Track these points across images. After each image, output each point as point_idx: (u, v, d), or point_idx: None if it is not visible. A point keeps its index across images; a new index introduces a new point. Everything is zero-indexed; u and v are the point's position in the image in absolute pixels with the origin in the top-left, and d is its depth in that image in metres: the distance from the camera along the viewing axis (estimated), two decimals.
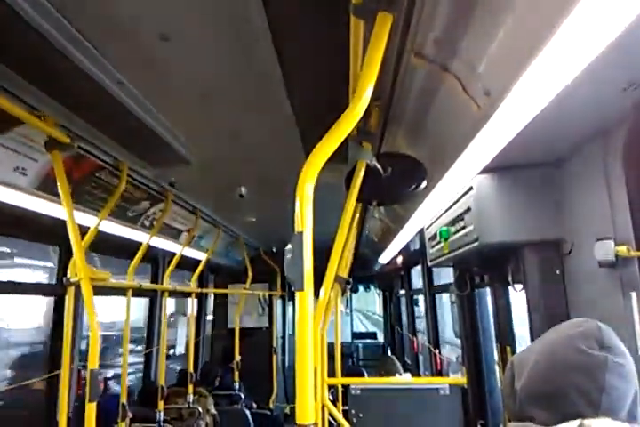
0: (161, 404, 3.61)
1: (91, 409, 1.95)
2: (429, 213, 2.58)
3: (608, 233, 1.43)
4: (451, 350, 4.69)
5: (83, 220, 2.52)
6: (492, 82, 1.26)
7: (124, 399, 2.92)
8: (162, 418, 3.61)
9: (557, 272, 1.77)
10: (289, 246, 1.00)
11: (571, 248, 1.70)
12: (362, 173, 1.87)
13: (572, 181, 1.72)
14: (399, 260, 5.61)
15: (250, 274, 5.83)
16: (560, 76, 1.14)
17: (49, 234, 2.96)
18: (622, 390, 0.97)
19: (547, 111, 1.32)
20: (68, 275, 2.46)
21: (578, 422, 0.93)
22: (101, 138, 2.27)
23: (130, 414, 3.02)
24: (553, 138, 1.63)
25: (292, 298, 8.95)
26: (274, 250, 6.68)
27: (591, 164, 1.59)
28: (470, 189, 1.94)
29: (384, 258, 5.41)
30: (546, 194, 1.80)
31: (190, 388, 4.12)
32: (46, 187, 2.27)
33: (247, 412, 4.93)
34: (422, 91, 1.68)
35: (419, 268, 5.17)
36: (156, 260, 4.69)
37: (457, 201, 2.13)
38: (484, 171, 1.85)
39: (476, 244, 1.90)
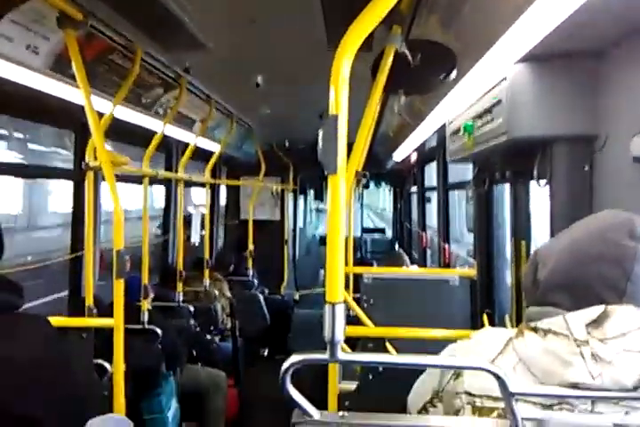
0: (180, 286, 3.80)
1: (119, 285, 2.05)
2: (454, 106, 2.50)
3: None
4: (457, 247, 4.81)
5: (96, 104, 2.46)
6: None
7: (145, 280, 3.06)
8: (181, 299, 3.82)
9: (586, 168, 1.74)
10: (321, 131, 0.97)
11: (604, 143, 1.66)
12: (390, 60, 1.78)
13: (613, 74, 1.63)
14: (413, 156, 5.57)
15: (263, 167, 5.85)
16: None
17: (63, 118, 2.93)
18: None
19: None
20: (86, 159, 2.46)
21: (602, 307, 0.96)
22: (115, 18, 2.15)
23: (152, 294, 3.18)
24: (597, 27, 1.51)
25: (304, 193, 9.07)
26: (286, 144, 6.63)
27: (635, 56, 1.50)
28: (503, 79, 1.85)
29: (399, 154, 5.38)
30: (584, 86, 1.71)
31: (206, 273, 4.31)
32: (59, 68, 2.19)
33: (260, 297, 5.21)
34: None
35: (432, 165, 5.16)
36: (169, 150, 4.68)
37: (486, 93, 2.04)
38: (520, 60, 1.75)
39: (504, 138, 1.85)
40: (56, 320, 2.06)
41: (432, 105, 2.67)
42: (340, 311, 0.90)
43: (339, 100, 0.94)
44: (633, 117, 1.51)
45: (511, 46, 1.59)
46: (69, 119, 2.79)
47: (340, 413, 0.99)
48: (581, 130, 1.73)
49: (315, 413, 0.93)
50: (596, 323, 0.94)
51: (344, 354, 0.92)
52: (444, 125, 2.99)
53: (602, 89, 1.70)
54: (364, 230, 9.81)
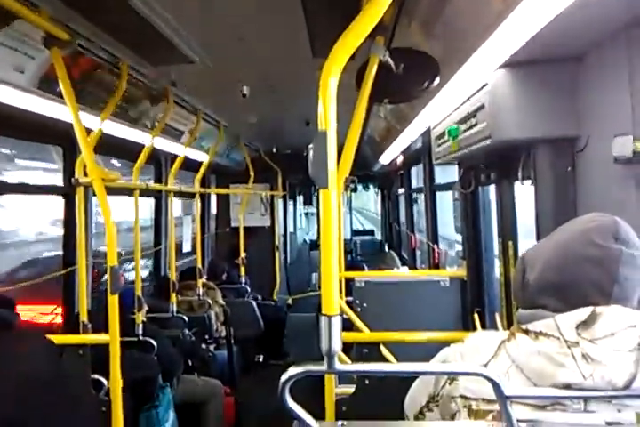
0: (173, 296, 3.81)
1: (113, 301, 2.06)
2: (438, 110, 2.54)
3: (627, 130, 1.43)
4: (446, 246, 4.86)
5: (85, 120, 2.47)
6: None
7: (139, 292, 3.07)
8: (174, 309, 3.83)
9: (569, 169, 1.79)
10: (311, 145, 1.00)
11: (585, 144, 1.70)
12: (374, 70, 1.81)
13: (592, 77, 1.68)
14: (399, 159, 5.62)
15: (251, 174, 5.87)
16: None
17: (51, 134, 2.93)
18: (634, 281, 1.01)
19: (572, 3, 1.25)
20: (76, 175, 2.47)
21: (590, 308, 0.99)
22: (101, 35, 2.17)
23: (145, 306, 3.19)
24: (576, 32, 1.56)
25: (293, 198, 9.09)
26: (274, 150, 6.66)
27: (613, 58, 1.54)
28: (485, 85, 1.89)
29: (385, 158, 5.42)
30: (565, 90, 1.75)
31: (199, 282, 4.32)
32: (46, 86, 2.21)
33: (253, 303, 5.23)
34: None
35: (419, 167, 5.21)
36: (158, 161, 4.69)
37: (469, 98, 2.09)
38: (501, 66, 1.79)
39: (487, 141, 1.89)
40: (53, 338, 2.06)
41: (417, 110, 2.71)
42: (337, 323, 0.92)
43: (327, 116, 0.97)
44: (613, 119, 1.56)
45: (492, 53, 1.63)
46: (57, 135, 2.79)
47: (339, 422, 1.02)
48: (563, 132, 1.77)
49: (314, 424, 0.95)
50: (586, 324, 0.97)
51: (341, 365, 0.94)
52: (429, 128, 3.03)
53: (582, 92, 1.74)
54: (354, 233, 9.85)
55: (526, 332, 1.03)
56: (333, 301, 0.93)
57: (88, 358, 2.14)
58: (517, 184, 2.16)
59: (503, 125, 1.85)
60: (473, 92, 2.04)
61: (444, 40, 1.86)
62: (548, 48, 1.67)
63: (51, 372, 1.94)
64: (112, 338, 2.11)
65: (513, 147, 1.97)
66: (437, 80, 1.93)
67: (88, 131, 2.27)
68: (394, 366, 1.32)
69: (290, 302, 7.02)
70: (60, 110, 2.35)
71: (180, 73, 2.88)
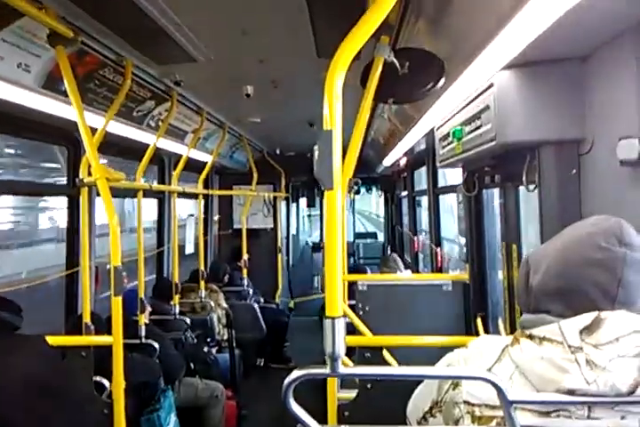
0: (176, 298, 3.80)
1: (116, 303, 2.05)
2: (443, 112, 2.53)
3: (632, 132, 1.41)
4: (449, 248, 4.84)
5: (89, 119, 2.48)
6: None
7: (141, 294, 3.06)
8: (177, 311, 3.82)
9: (574, 171, 1.77)
10: (317, 145, 0.99)
11: (590, 147, 1.69)
12: (379, 70, 1.81)
13: (597, 79, 1.66)
14: (403, 161, 5.61)
15: (255, 176, 5.87)
16: None
17: (55, 134, 2.93)
18: (639, 284, 1.00)
19: (579, 3, 1.24)
20: (80, 175, 2.47)
21: (594, 313, 0.97)
22: (105, 33, 2.16)
23: (148, 308, 3.18)
24: (582, 32, 1.55)
25: (296, 200, 9.09)
26: (277, 152, 6.66)
27: (620, 60, 1.53)
28: (490, 86, 1.87)
29: (388, 160, 5.41)
30: (570, 91, 1.74)
31: (202, 284, 4.31)
32: (51, 85, 2.21)
33: (255, 306, 5.21)
34: None
35: (422, 170, 5.19)
36: (162, 162, 4.69)
37: (474, 99, 2.07)
38: (507, 67, 1.78)
39: (492, 143, 1.88)
40: (55, 339, 2.05)
41: (422, 111, 2.70)
42: (341, 326, 0.90)
43: (333, 115, 0.96)
44: (618, 121, 1.54)
45: (497, 53, 1.61)
46: (61, 135, 2.79)
47: None
48: (568, 134, 1.76)
49: None
50: (590, 329, 0.95)
51: (345, 368, 0.92)
52: (433, 130, 3.02)
53: (587, 93, 1.73)
54: (356, 236, 9.85)
55: (530, 337, 1.02)
56: (337, 303, 0.91)
57: (91, 359, 2.13)
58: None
59: (508, 127, 1.84)
60: (478, 93, 2.03)
61: (449, 40, 1.85)
62: (553, 48, 1.66)
63: (53, 374, 1.93)
64: (115, 340, 2.10)
65: (518, 149, 1.96)
66: (442, 81, 1.92)
67: (92, 130, 2.27)
68: (398, 369, 1.31)
69: (292, 305, 7.01)
70: (64, 109, 2.35)
71: (185, 72, 2.87)
